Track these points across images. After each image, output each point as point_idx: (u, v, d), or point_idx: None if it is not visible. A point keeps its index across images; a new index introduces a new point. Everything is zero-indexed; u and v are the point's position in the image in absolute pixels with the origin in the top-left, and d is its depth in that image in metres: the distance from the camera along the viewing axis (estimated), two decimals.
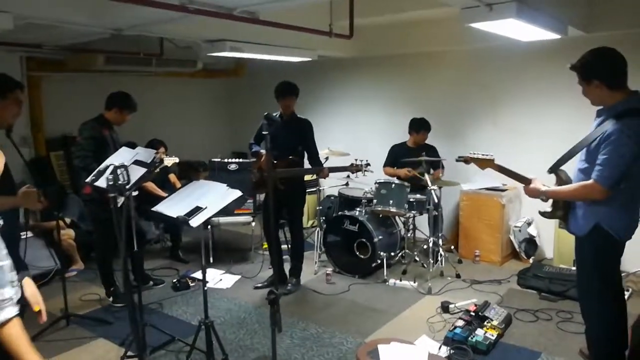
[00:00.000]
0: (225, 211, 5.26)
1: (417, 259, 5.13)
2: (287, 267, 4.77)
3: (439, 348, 3.42)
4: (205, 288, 3.01)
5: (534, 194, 2.88)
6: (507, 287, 4.63)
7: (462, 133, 5.82)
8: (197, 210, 2.66)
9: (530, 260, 5.17)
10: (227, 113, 8.13)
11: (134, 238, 3.36)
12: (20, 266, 2.82)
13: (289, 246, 4.86)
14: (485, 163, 3.08)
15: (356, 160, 4.66)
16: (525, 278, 4.60)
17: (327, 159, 5.36)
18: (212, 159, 5.19)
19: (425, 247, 4.98)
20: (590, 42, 2.81)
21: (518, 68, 5.39)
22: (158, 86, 6.91)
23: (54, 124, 5.87)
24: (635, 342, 2.99)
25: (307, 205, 5.21)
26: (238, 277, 4.99)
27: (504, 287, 4.64)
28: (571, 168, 2.81)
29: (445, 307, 4.08)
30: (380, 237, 4.78)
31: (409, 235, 5.44)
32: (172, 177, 5.68)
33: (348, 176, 5.55)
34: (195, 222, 2.60)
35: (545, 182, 2.92)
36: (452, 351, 3.37)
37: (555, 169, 2.85)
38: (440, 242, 5.13)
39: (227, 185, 2.82)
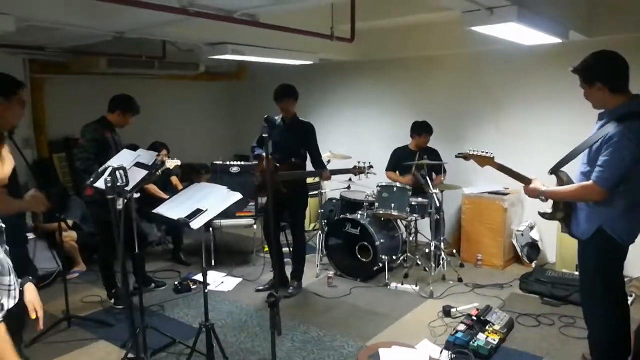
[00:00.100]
0: (227, 214, 5.30)
1: (419, 262, 5.12)
2: (289, 270, 4.76)
3: (441, 352, 3.41)
4: (206, 291, 3.01)
5: (534, 194, 2.88)
6: (509, 291, 4.61)
7: (464, 136, 5.81)
8: (198, 212, 2.66)
9: (533, 265, 5.16)
10: (229, 116, 8.15)
11: (135, 240, 3.35)
12: (29, 269, 2.83)
13: (291, 249, 4.85)
14: (484, 161, 3.08)
15: (359, 162, 4.66)
16: (527, 283, 4.58)
17: (329, 162, 5.36)
18: (214, 162, 5.20)
19: (427, 250, 4.96)
20: (592, 47, 2.80)
21: (520, 72, 5.38)
22: (160, 89, 6.92)
23: (57, 126, 5.88)
24: (638, 348, 2.96)
25: (309, 209, 5.21)
26: (240, 280, 4.99)
27: (506, 291, 4.62)
28: (572, 170, 2.80)
29: (447, 312, 4.07)
30: (382, 240, 4.77)
31: (411, 239, 5.43)
32: (175, 179, 5.69)
33: (350, 179, 5.55)
34: (196, 224, 2.60)
35: (547, 183, 2.91)
36: (453, 356, 3.36)
37: (556, 171, 2.84)
38: (443, 246, 5.11)
39: (229, 188, 2.82)
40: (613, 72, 2.58)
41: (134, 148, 3.62)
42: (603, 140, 2.54)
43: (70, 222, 5.17)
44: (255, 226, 5.61)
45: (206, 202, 2.70)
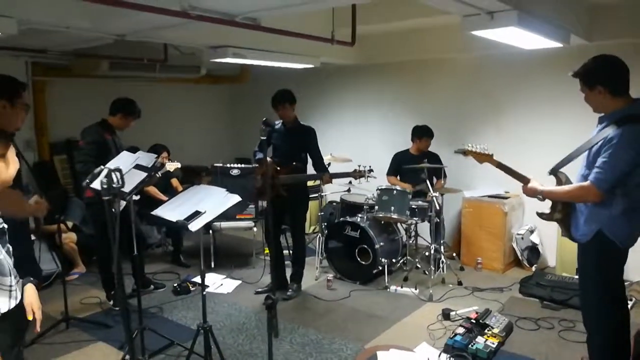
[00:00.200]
0: (227, 216, 5.31)
1: (419, 265, 5.12)
2: (288, 272, 4.76)
3: (439, 355, 3.41)
4: (204, 292, 3.02)
5: (531, 193, 2.89)
6: (509, 295, 4.61)
7: (465, 140, 5.73)
8: (196, 214, 2.67)
9: (533, 268, 5.15)
10: (230, 119, 8.17)
11: (134, 242, 3.36)
12: (34, 269, 2.84)
13: (291, 252, 4.86)
14: (483, 157, 3.07)
15: (359, 166, 4.67)
16: (527, 286, 4.58)
17: (329, 165, 5.36)
18: (215, 164, 5.20)
19: (427, 254, 4.96)
20: (593, 51, 2.81)
21: (521, 76, 5.38)
22: (162, 92, 6.94)
23: (58, 128, 5.90)
24: (637, 352, 2.96)
25: (309, 211, 5.21)
26: (239, 282, 4.99)
27: (505, 294, 4.61)
28: (572, 171, 2.80)
29: (446, 315, 4.06)
30: (381, 243, 4.77)
31: (410, 242, 5.43)
32: (175, 181, 5.70)
33: (350, 182, 5.55)
34: (194, 226, 2.61)
35: (545, 183, 2.92)
36: (452, 359, 3.36)
37: (555, 171, 2.85)
38: (442, 249, 5.11)
39: (229, 191, 2.83)
40: (613, 76, 2.59)
41: (134, 150, 3.63)
42: (602, 142, 2.55)
43: (70, 224, 5.18)
44: (255, 228, 5.61)
45: (204, 204, 2.71)
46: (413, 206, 4.91)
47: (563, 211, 2.84)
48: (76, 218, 5.31)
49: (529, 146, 5.27)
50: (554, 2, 3.60)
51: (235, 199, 2.72)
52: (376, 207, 4.95)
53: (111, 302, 4.30)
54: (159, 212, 2.83)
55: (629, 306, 4.03)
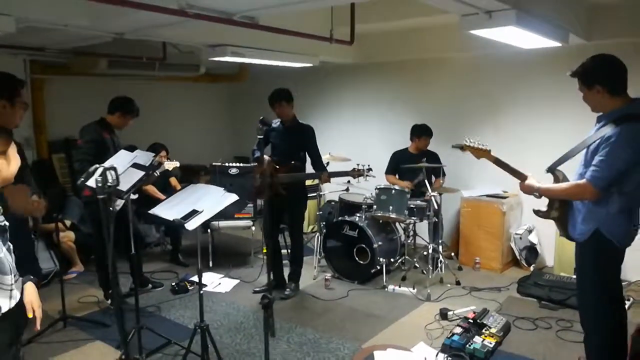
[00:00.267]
0: (226, 215, 5.30)
1: (417, 265, 5.12)
2: (286, 271, 4.76)
3: (437, 355, 3.40)
4: (201, 292, 3.02)
5: (528, 190, 2.89)
6: (506, 294, 4.61)
7: (464, 139, 5.79)
8: (193, 213, 2.66)
9: (531, 268, 5.15)
10: (229, 117, 8.16)
11: (131, 241, 3.35)
12: (34, 267, 2.84)
13: (289, 251, 4.85)
14: (480, 153, 3.07)
15: (358, 165, 4.67)
16: (525, 286, 4.57)
17: (327, 164, 5.36)
18: (213, 163, 5.20)
19: (425, 253, 4.96)
20: (592, 50, 2.81)
21: (520, 75, 5.38)
22: (161, 90, 6.94)
23: (57, 126, 5.90)
24: (634, 352, 2.96)
25: (307, 210, 5.21)
26: (237, 281, 4.99)
27: (503, 294, 4.61)
28: (571, 169, 2.80)
29: (443, 314, 4.06)
30: (379, 243, 4.77)
31: (409, 241, 5.43)
32: (173, 180, 5.69)
33: (349, 181, 5.55)
34: (191, 225, 2.60)
35: (543, 182, 2.91)
36: (449, 358, 3.36)
37: (552, 169, 2.86)
38: (441, 248, 5.11)
39: (228, 190, 2.82)
40: (612, 75, 2.59)
41: (133, 149, 3.62)
42: (600, 141, 2.56)
43: (68, 223, 5.18)
44: (253, 227, 5.61)
45: (202, 203, 2.70)
46: (411, 206, 4.91)
47: (560, 209, 2.84)
48: (74, 217, 5.30)
49: (527, 145, 5.27)
50: (552, 1, 3.60)
51: (233, 198, 2.71)
52: (374, 207, 4.95)
53: (109, 301, 4.30)
54: (157, 210, 2.83)
55: (627, 306, 4.03)
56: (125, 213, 3.48)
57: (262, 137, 2.56)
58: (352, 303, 4.45)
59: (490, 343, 3.46)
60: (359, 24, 4.57)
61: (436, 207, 4.86)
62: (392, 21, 4.94)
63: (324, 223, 5.51)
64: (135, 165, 3.11)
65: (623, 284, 3.06)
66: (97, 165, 1.84)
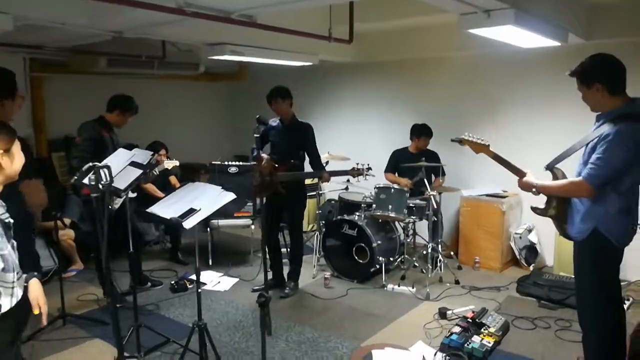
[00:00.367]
0: (225, 214, 5.29)
1: (417, 264, 5.11)
2: (285, 270, 4.76)
3: (435, 354, 3.41)
4: (199, 290, 3.01)
5: (526, 186, 2.90)
6: (506, 294, 4.60)
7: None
8: (191, 212, 2.66)
9: (531, 268, 5.14)
10: (229, 116, 8.16)
11: (130, 239, 3.35)
12: (35, 267, 2.86)
13: (288, 249, 4.85)
14: (479, 147, 3.07)
15: (357, 164, 4.66)
16: (524, 285, 4.57)
17: (327, 163, 5.36)
18: (213, 162, 5.20)
19: (424, 252, 4.95)
20: (591, 50, 2.80)
21: (519, 74, 5.37)
22: (160, 89, 6.94)
23: (56, 125, 5.90)
24: (633, 352, 2.95)
25: (307, 209, 5.21)
26: (236, 279, 4.99)
27: (503, 294, 4.60)
28: (571, 168, 2.80)
29: (442, 313, 4.06)
30: (379, 242, 4.76)
31: (408, 240, 5.42)
32: (173, 179, 5.70)
33: (348, 180, 5.55)
34: (188, 223, 2.60)
35: (542, 179, 2.92)
36: (447, 358, 3.35)
37: (551, 167, 2.86)
38: (440, 248, 5.10)
39: (227, 188, 2.82)
40: (611, 74, 2.60)
41: (132, 147, 3.62)
42: (598, 139, 2.56)
43: (68, 221, 5.18)
44: (252, 226, 5.61)
45: (199, 202, 2.70)
46: (411, 205, 4.90)
47: (558, 207, 2.85)
48: (74, 215, 5.30)
49: (526, 144, 5.25)
50: (551, 1, 3.59)
51: (230, 196, 2.71)
52: (374, 206, 4.94)
53: (108, 299, 4.30)
54: (154, 209, 2.83)
55: (626, 306, 4.03)
56: (125, 211, 3.48)
57: (258, 135, 2.55)
58: (351, 302, 4.44)
59: (489, 342, 3.46)
60: (357, 22, 4.57)
61: (435, 206, 4.86)
62: (391, 20, 4.93)
63: (323, 222, 5.51)
64: (133, 164, 3.11)
65: (622, 283, 3.07)
66: (91, 164, 1.83)
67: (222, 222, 5.47)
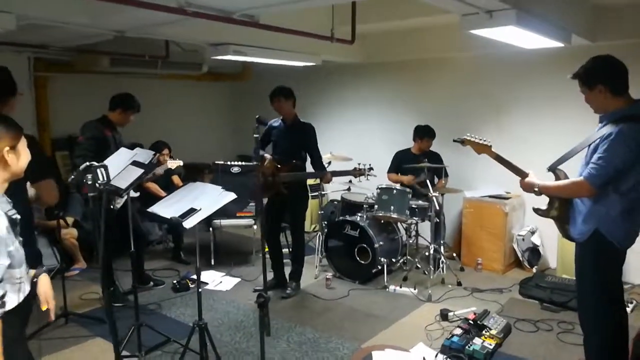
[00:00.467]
0: (228, 213, 5.29)
1: (419, 265, 5.10)
2: (287, 270, 4.75)
3: (436, 356, 3.39)
4: (200, 290, 3.02)
5: (528, 187, 2.90)
6: (508, 296, 4.58)
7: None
8: (191, 211, 2.67)
9: (534, 270, 5.12)
10: (233, 116, 8.17)
11: (131, 238, 3.36)
12: (38, 262, 2.89)
13: (290, 250, 4.85)
14: (481, 148, 3.07)
15: (359, 164, 4.65)
16: (527, 287, 4.55)
17: (329, 163, 5.36)
18: (215, 162, 5.20)
19: (427, 254, 4.94)
20: (596, 51, 2.80)
21: (523, 75, 5.35)
22: (164, 88, 6.95)
23: (60, 124, 5.92)
24: (636, 356, 2.93)
25: (309, 210, 5.20)
26: (238, 279, 5.00)
27: (505, 296, 4.59)
28: (574, 169, 2.79)
29: (444, 315, 4.05)
30: (381, 242, 4.75)
31: (411, 241, 5.41)
32: (176, 178, 5.71)
33: (350, 181, 5.54)
34: (188, 223, 2.60)
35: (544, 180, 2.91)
36: (448, 359, 3.34)
37: (554, 168, 2.86)
38: (442, 249, 5.09)
39: (230, 188, 2.82)
40: (613, 75, 2.60)
41: (136, 147, 3.63)
42: (600, 139, 2.56)
43: (70, 220, 5.20)
44: (255, 226, 5.61)
45: (200, 202, 2.71)
46: (413, 206, 4.89)
47: (560, 208, 2.84)
48: (77, 214, 5.33)
49: (529, 146, 5.23)
50: (554, 1, 3.57)
51: (231, 196, 2.71)
52: (376, 207, 4.93)
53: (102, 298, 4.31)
54: (155, 209, 2.84)
55: (629, 309, 4.00)
56: (127, 211, 3.48)
57: (258, 135, 2.55)
58: (352, 303, 4.44)
59: (490, 344, 3.44)
60: (359, 23, 4.56)
61: (438, 207, 4.84)
62: (393, 21, 4.92)
63: (326, 222, 5.51)
64: (135, 163, 3.12)
65: (626, 287, 3.05)
66: (88, 163, 1.84)
67: (225, 222, 5.49)
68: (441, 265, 4.99)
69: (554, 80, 5.01)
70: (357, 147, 6.43)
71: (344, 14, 4.47)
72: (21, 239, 1.92)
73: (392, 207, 4.80)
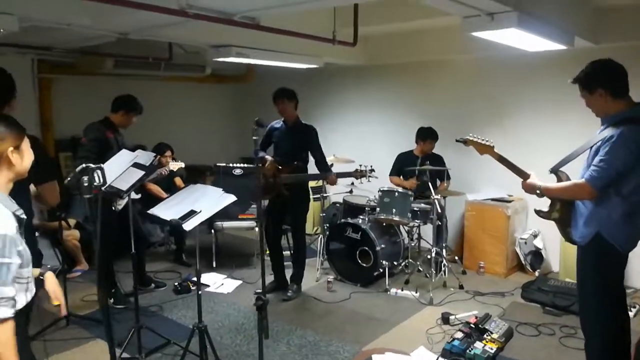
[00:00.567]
0: (230, 215, 5.28)
1: (421, 269, 5.07)
2: (288, 273, 4.75)
3: None
4: (200, 292, 3.02)
5: (530, 188, 2.89)
6: (510, 299, 4.56)
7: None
8: (191, 213, 2.67)
9: (536, 273, 5.09)
10: (235, 118, 8.17)
11: (132, 240, 3.36)
12: (39, 263, 2.91)
13: (291, 252, 4.84)
14: (484, 149, 3.06)
15: (360, 166, 4.64)
16: (529, 291, 4.52)
17: (332, 165, 5.34)
18: (217, 164, 5.21)
19: (428, 257, 4.92)
20: (599, 54, 2.80)
21: (526, 77, 5.33)
22: (167, 90, 6.97)
23: (64, 125, 5.94)
24: None
25: (312, 212, 5.19)
26: (239, 282, 4.99)
27: (507, 299, 4.56)
28: (574, 171, 2.78)
29: (445, 319, 4.03)
30: (382, 245, 4.74)
31: (413, 244, 5.39)
32: (178, 180, 5.72)
33: (352, 183, 5.53)
34: (188, 225, 2.60)
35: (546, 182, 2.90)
36: None
37: (556, 170, 2.85)
38: (444, 252, 5.07)
39: (232, 190, 2.82)
40: (613, 78, 2.61)
41: (140, 149, 3.63)
42: (602, 141, 2.56)
43: (73, 221, 5.21)
44: (256, 228, 5.60)
45: (200, 204, 2.71)
46: (415, 208, 4.87)
47: (561, 211, 2.83)
48: (79, 215, 5.34)
49: (532, 148, 5.20)
50: (556, 3, 3.56)
51: (230, 198, 2.71)
52: (377, 209, 4.92)
53: (112, 300, 4.32)
54: (155, 211, 2.84)
55: (632, 314, 3.97)
56: (126, 212, 3.49)
57: (257, 138, 2.56)
58: (353, 306, 4.42)
59: (492, 349, 3.42)
60: (361, 26, 4.56)
61: (440, 210, 4.82)
62: (395, 23, 4.91)
63: (327, 225, 5.50)
64: (136, 165, 3.12)
65: (629, 291, 3.02)
66: (84, 165, 1.84)
67: (227, 224, 5.48)
68: (443, 269, 4.97)
69: (556, 82, 4.98)
70: (360, 149, 6.43)
71: (346, 16, 4.46)
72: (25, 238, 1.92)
73: (394, 210, 4.79)
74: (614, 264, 2.69)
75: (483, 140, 3.06)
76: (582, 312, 2.90)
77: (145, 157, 3.21)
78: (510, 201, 5.21)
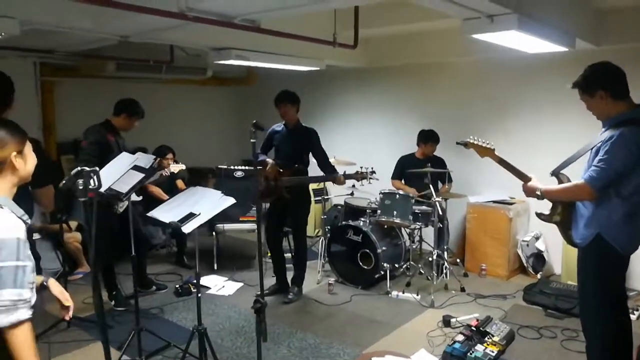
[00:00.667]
0: (231, 218, 5.28)
1: (422, 271, 5.06)
2: (289, 275, 4.74)
3: None
4: (199, 295, 3.02)
5: (530, 191, 2.89)
6: (512, 302, 4.54)
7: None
8: (190, 216, 2.67)
9: (538, 276, 5.07)
10: (237, 121, 8.18)
11: (132, 242, 3.36)
12: (38, 267, 2.93)
13: (292, 254, 4.84)
14: (484, 151, 3.07)
15: (361, 168, 4.64)
16: (530, 294, 4.50)
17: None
18: (219, 166, 5.21)
19: (430, 259, 4.91)
20: (600, 55, 2.79)
21: (527, 80, 5.32)
22: (168, 93, 6.99)
23: (66, 128, 5.96)
24: None
25: (313, 214, 5.18)
26: (240, 284, 4.99)
27: (509, 302, 4.55)
28: (576, 173, 2.77)
29: (446, 321, 4.02)
30: (384, 248, 4.73)
31: (414, 247, 5.38)
32: (180, 183, 5.73)
33: (354, 185, 5.52)
34: (187, 228, 2.60)
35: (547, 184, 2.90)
36: None
37: (557, 172, 2.85)
38: (446, 254, 5.05)
39: (233, 193, 2.82)
40: (613, 79, 2.61)
41: (141, 152, 3.64)
42: (602, 143, 2.56)
43: (74, 224, 5.22)
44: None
45: (199, 206, 2.71)
46: (416, 211, 4.87)
47: (562, 213, 2.83)
48: (81, 218, 5.34)
49: (533, 150, 5.19)
50: (557, 5, 3.55)
51: (230, 201, 2.71)
52: (379, 212, 4.91)
53: (112, 303, 4.32)
54: (155, 213, 2.85)
55: (634, 317, 3.95)
56: (127, 215, 3.49)
57: (254, 140, 2.56)
58: (354, 308, 4.42)
59: (493, 352, 3.40)
60: (362, 28, 4.56)
61: (441, 212, 4.81)
62: (395, 25, 4.91)
63: (328, 227, 5.49)
64: (136, 168, 3.13)
65: (631, 293, 3.00)
66: (79, 168, 1.84)
67: (228, 226, 5.49)
68: (444, 271, 4.96)
69: (558, 84, 4.91)
70: (361, 151, 6.42)
71: (347, 19, 4.47)
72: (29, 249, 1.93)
73: (395, 212, 4.78)
74: (614, 266, 2.68)
75: (483, 142, 3.07)
76: (582, 313, 2.89)
77: (145, 159, 3.21)
78: (512, 203, 5.20)
